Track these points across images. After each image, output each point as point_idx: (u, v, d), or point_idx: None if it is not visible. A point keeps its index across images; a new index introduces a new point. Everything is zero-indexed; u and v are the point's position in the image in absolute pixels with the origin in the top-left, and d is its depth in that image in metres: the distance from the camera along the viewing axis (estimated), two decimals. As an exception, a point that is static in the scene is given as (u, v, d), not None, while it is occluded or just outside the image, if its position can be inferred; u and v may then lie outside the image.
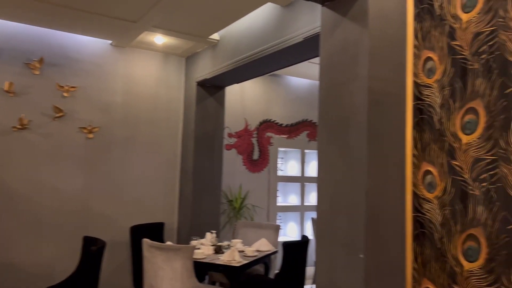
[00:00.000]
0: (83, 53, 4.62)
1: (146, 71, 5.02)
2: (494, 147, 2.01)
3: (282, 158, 6.58)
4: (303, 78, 6.32)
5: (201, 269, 3.67)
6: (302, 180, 6.43)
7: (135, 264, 4.41)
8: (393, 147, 2.38)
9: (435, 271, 2.22)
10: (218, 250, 3.93)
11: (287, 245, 3.70)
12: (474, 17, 2.13)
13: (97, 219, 4.63)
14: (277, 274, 3.85)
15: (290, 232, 6.49)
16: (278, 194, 6.27)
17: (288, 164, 6.64)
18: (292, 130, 6.30)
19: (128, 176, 4.85)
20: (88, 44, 4.66)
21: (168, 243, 3.90)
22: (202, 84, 4.94)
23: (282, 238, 5.68)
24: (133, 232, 4.52)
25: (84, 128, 4.59)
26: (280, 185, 6.37)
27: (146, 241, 3.32)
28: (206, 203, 4.96)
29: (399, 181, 2.38)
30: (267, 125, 6.04)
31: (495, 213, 1.98)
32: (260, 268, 4.37)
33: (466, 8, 2.17)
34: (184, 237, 4.86)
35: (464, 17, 2.17)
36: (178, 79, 5.24)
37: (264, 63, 3.95)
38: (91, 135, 4.62)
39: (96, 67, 4.69)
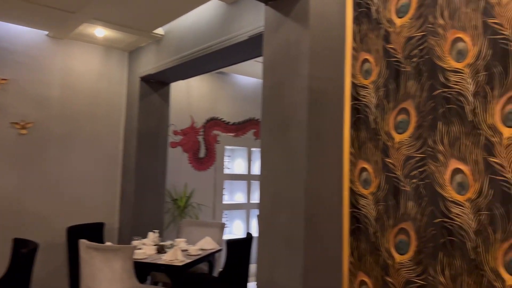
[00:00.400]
0: (16, 43, 4.33)
1: (86, 64, 4.81)
2: (423, 146, 2.13)
3: (229, 156, 6.57)
4: (250, 76, 6.36)
5: (143, 270, 3.58)
6: (248, 178, 6.47)
7: (72, 266, 4.21)
8: (332, 145, 2.45)
9: (369, 264, 2.32)
10: (161, 249, 3.86)
11: (231, 243, 3.70)
12: (406, 22, 2.24)
13: (32, 220, 4.36)
14: (220, 272, 3.84)
15: (236, 230, 6.50)
16: (225, 192, 6.26)
17: (235, 162, 6.65)
18: (239, 128, 6.31)
19: (66, 175, 4.61)
20: (22, 34, 4.37)
21: (108, 243, 3.76)
22: (146, 79, 4.81)
23: (228, 236, 5.68)
24: (70, 233, 4.31)
25: (16, 123, 4.31)
26: (227, 183, 6.37)
27: (83, 242, 3.18)
28: (149, 202, 4.84)
29: (337, 178, 2.46)
30: (214, 123, 6.01)
31: (423, 208, 2.10)
32: (204, 267, 4.34)
33: (399, 13, 2.28)
34: (126, 237, 4.71)
35: (398, 21, 2.29)
36: (121, 74, 5.06)
37: (209, 60, 3.92)
38: (24, 131, 4.34)
39: (30, 59, 4.41)
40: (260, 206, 2.57)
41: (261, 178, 2.56)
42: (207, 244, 4.14)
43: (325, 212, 2.38)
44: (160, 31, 4.43)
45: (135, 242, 3.98)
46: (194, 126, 5.76)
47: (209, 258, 4.11)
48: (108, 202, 4.93)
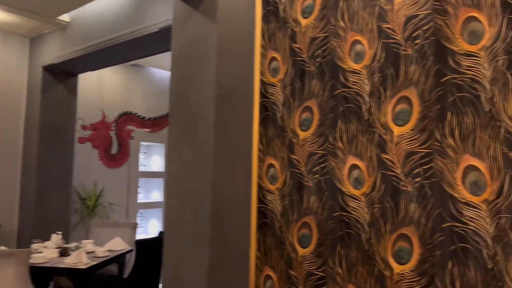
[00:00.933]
0: None
1: (-22, 50, 4.31)
2: (325, 143, 2.22)
3: (145, 152, 6.34)
4: (167, 70, 6.17)
5: (45, 275, 3.31)
6: (165, 175, 6.30)
7: (-41, 275, 3.75)
8: (241, 142, 2.46)
9: (275, 258, 2.37)
10: (64, 252, 3.59)
11: (140, 243, 3.56)
12: (311, 23, 2.31)
13: None
14: (130, 273, 3.69)
15: (152, 229, 6.30)
16: (140, 190, 6.02)
17: (152, 159, 6.43)
18: (155, 124, 6.10)
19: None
20: None
21: (2, 248, 3.41)
22: (50, 69, 4.44)
23: (143, 236, 5.49)
24: (-43, 238, 3.84)
25: None
26: (142, 181, 6.13)
27: (-32, 248, 2.84)
28: (53, 202, 4.48)
29: (245, 174, 2.47)
30: (127, 117, 5.74)
31: (324, 202, 2.19)
32: (114, 269, 4.13)
33: (304, 14, 2.35)
34: (26, 240, 4.31)
35: (303, 22, 2.35)
36: (21, 62, 4.62)
37: (119, 51, 3.73)
38: None
39: None
40: (166, 203, 2.49)
41: (167, 174, 2.49)
42: (116, 245, 3.94)
43: (233, 208, 2.38)
44: (65, 17, 4.11)
45: (34, 246, 3.66)
46: (106, 121, 5.45)
47: (119, 259, 3.92)
48: (5, 202, 4.48)
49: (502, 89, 1.68)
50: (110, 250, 3.79)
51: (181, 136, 2.46)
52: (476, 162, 1.73)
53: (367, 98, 2.07)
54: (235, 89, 2.41)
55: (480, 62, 1.73)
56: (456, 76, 1.80)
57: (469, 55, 1.77)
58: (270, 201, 2.43)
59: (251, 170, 2.49)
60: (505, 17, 1.69)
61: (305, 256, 2.23)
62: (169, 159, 2.51)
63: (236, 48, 2.43)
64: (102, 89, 5.46)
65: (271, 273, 2.37)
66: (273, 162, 2.44)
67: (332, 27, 2.22)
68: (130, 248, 4.06)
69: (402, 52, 1.96)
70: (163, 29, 3.15)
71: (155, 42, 3.43)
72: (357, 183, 2.07)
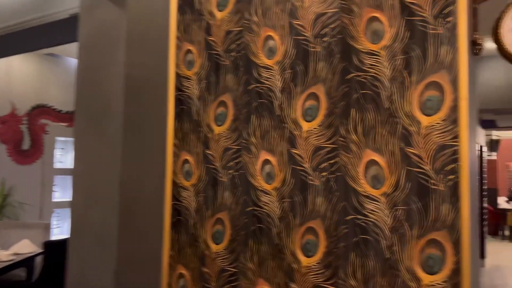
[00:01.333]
0: None
1: None
2: (239, 138, 2.20)
3: (62, 148, 5.94)
4: (87, 62, 5.83)
5: None
6: (84, 172, 5.95)
7: None
8: (155, 137, 2.37)
9: (188, 256, 2.31)
10: (-40, 258, 3.25)
11: (49, 244, 3.33)
12: (226, 16, 2.28)
13: None
14: (38, 277, 3.43)
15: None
16: (56, 188, 5.64)
17: (69, 155, 6.05)
18: (73, 118, 5.73)
19: None
20: None
21: None
22: None
23: (58, 237, 5.15)
24: None
25: None
26: (59, 179, 5.75)
27: None
28: (-50, 203, 4.04)
29: (159, 170, 2.38)
30: (41, 110, 5.34)
31: (238, 198, 2.17)
32: (22, 273, 3.83)
33: (219, 7, 2.31)
34: None
35: (218, 15, 2.31)
36: None
37: (26, 37, 3.43)
38: None
39: None
40: (72, 202, 2.33)
41: (74, 171, 2.33)
42: (24, 247, 3.66)
43: (145, 206, 2.29)
44: (-37, -2, 3.70)
45: None
46: (16, 114, 5.02)
47: (27, 263, 3.64)
48: None
49: (400, 88, 1.77)
50: (16, 254, 3.51)
51: (89, 131, 2.31)
52: (376, 157, 1.81)
53: (279, 94, 2.08)
54: (147, 81, 2.32)
55: (380, 61, 1.81)
56: (360, 74, 1.86)
57: (371, 53, 1.84)
58: (185, 197, 2.37)
59: (165, 166, 2.41)
60: (403, 18, 1.79)
61: (218, 252, 2.21)
62: (76, 155, 2.35)
63: (150, 38, 2.34)
64: (11, 80, 5.02)
65: (184, 271, 2.31)
66: (188, 157, 2.38)
67: (246, 22, 2.21)
68: (40, 251, 3.79)
69: (312, 49, 1.99)
70: (74, 15, 2.95)
71: (66, 29, 3.20)
72: (269, 178, 2.08)
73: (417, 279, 1.68)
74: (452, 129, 1.69)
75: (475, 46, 1.76)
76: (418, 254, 1.69)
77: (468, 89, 1.69)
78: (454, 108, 1.68)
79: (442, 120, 1.71)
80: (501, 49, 1.76)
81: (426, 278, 1.66)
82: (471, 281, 1.62)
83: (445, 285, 1.65)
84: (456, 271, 1.63)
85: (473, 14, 1.77)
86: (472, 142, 1.86)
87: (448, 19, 1.68)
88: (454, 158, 1.67)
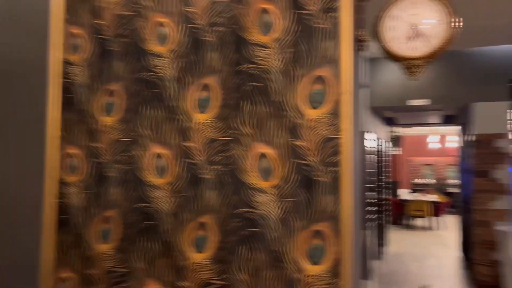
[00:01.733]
0: None
1: None
2: (129, 130, 2.06)
3: None
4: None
5: None
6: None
7: None
8: (31, 128, 2.13)
9: (73, 258, 2.13)
10: None
11: None
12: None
13: None
14: None
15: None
16: None
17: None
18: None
19: None
20: None
21: None
22: None
23: None
24: None
25: None
26: None
27: None
28: None
29: (38, 166, 2.15)
30: None
31: (127, 194, 2.04)
32: None
33: (108, -12, 2.13)
34: None
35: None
36: None
37: None
38: None
39: None
40: None
41: None
42: None
43: (21, 207, 2.05)
44: None
45: None
46: None
47: None
48: None
49: (287, 81, 1.78)
50: None
51: (-50, 120, 2.01)
52: (267, 150, 1.80)
53: (171, 84, 1.98)
54: (21, 65, 2.07)
55: (270, 53, 1.80)
56: (251, 66, 1.84)
57: (262, 45, 1.82)
58: (69, 195, 2.17)
59: (44, 161, 2.18)
60: (292, 12, 1.79)
61: (106, 252, 2.05)
62: None
63: (25, 17, 2.09)
64: None
65: (69, 274, 2.12)
66: (74, 151, 2.18)
67: (138, 6, 2.07)
68: None
69: (205, 39, 1.92)
70: None
71: None
72: (161, 172, 1.98)
73: (302, 270, 1.71)
74: (338, 122, 1.73)
75: (359, 42, 1.82)
76: (303, 245, 1.71)
77: (353, 84, 1.74)
78: (339, 102, 1.73)
79: (329, 114, 1.74)
80: (382, 47, 1.84)
81: (311, 268, 1.70)
82: (352, 271, 1.68)
83: (328, 275, 1.70)
84: (338, 261, 1.68)
85: (358, 11, 1.82)
86: (358, 135, 1.93)
87: (333, 14, 1.72)
88: (338, 150, 1.71)
